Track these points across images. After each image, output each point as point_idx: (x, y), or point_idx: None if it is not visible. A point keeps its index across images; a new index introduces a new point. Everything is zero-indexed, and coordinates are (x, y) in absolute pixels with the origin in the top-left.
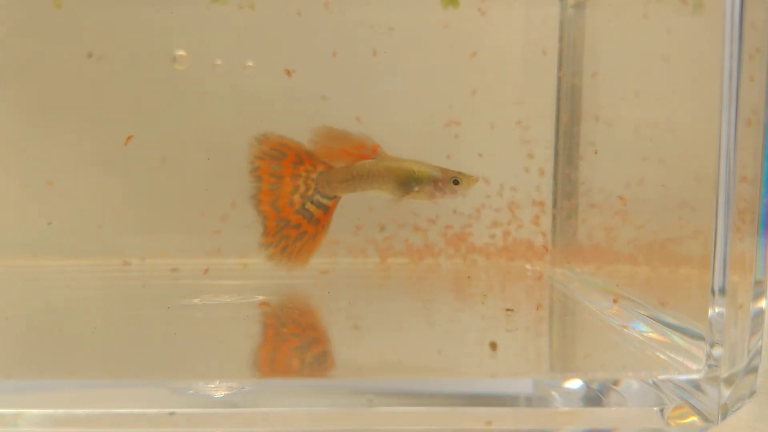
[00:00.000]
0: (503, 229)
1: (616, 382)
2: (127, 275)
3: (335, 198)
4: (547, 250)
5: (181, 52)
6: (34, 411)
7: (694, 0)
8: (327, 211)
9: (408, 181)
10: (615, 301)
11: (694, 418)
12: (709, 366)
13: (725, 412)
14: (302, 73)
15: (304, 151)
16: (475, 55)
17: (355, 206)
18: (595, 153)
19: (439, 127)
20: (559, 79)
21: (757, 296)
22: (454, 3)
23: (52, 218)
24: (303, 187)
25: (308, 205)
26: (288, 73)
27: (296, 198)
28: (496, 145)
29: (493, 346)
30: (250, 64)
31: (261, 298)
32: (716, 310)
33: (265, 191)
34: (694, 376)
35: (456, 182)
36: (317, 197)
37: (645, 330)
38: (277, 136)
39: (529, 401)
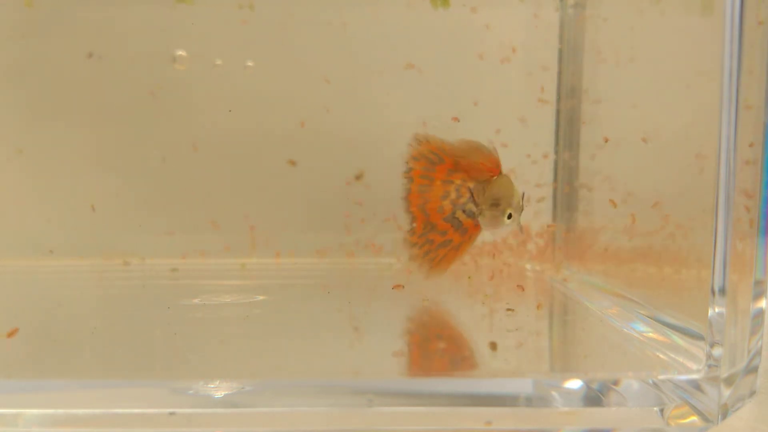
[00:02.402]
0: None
1: (616, 382)
2: (127, 275)
3: None
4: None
5: (181, 52)
6: (34, 411)
7: (702, 1)
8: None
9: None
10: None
11: (694, 418)
12: (709, 366)
13: (725, 412)
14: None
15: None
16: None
17: (352, 205)
18: (605, 142)
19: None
20: (559, 79)
21: (757, 296)
22: (444, 3)
23: (52, 218)
24: (454, 194)
25: (458, 214)
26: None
27: (446, 204)
28: (495, 143)
29: (493, 346)
30: (250, 64)
31: (261, 298)
32: (716, 310)
33: (415, 193)
34: (694, 376)
35: (509, 216)
36: (470, 206)
37: (645, 330)
38: (438, 140)
39: (529, 401)
